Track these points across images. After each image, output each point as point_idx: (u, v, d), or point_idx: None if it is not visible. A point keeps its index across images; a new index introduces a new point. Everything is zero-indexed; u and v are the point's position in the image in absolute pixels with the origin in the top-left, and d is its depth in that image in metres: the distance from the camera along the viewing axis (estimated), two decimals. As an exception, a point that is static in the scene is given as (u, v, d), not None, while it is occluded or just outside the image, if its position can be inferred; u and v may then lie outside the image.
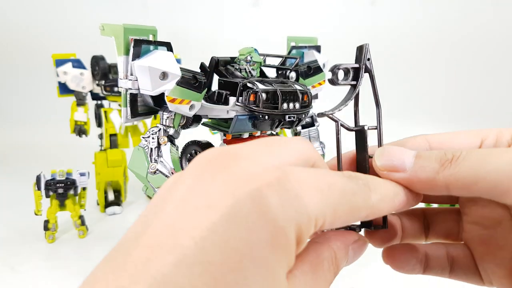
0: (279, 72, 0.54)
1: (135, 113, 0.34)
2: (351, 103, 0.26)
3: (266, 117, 0.40)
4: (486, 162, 0.20)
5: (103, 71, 0.96)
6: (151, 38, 0.33)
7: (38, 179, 0.80)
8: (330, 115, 0.25)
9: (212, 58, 0.44)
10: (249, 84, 0.40)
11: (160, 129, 0.36)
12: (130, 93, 0.33)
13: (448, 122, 1.88)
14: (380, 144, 0.25)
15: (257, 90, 0.39)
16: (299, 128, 0.60)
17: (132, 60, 0.32)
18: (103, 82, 0.96)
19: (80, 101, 0.99)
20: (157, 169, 0.36)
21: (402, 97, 1.80)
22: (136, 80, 0.32)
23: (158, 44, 0.34)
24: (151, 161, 0.37)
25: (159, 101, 0.36)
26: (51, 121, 1.57)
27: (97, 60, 0.96)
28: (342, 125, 0.26)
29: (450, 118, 1.88)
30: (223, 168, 0.18)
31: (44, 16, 1.76)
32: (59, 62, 0.95)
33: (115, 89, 0.96)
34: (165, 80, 0.33)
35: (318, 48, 0.62)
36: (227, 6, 1.87)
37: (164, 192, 0.18)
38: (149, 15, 1.81)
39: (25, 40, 1.73)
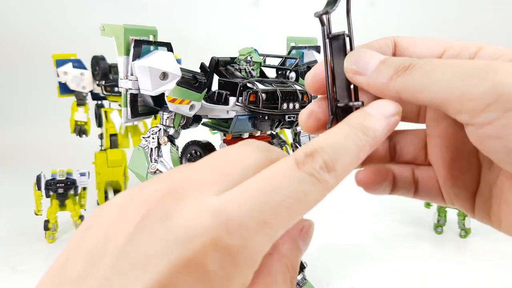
0: (279, 72, 0.54)
1: (135, 113, 0.34)
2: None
3: (266, 117, 0.40)
4: (433, 73, 0.20)
5: (104, 71, 0.96)
6: (151, 38, 0.34)
7: (38, 179, 0.80)
8: (322, 16, 0.23)
9: (212, 58, 0.44)
10: (249, 84, 0.40)
11: (160, 129, 0.36)
12: (131, 93, 0.33)
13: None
14: (351, 49, 0.25)
15: (257, 90, 0.39)
16: (299, 128, 0.60)
17: (133, 60, 0.32)
18: (103, 82, 0.96)
19: (81, 101, 0.99)
20: (157, 169, 0.36)
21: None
22: (137, 80, 0.32)
23: (158, 44, 0.34)
24: (151, 161, 0.37)
25: (159, 101, 0.36)
26: (51, 121, 1.57)
27: (97, 60, 0.96)
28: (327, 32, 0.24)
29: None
30: (164, 216, 0.16)
31: (44, 16, 1.76)
32: (60, 62, 0.95)
33: (116, 89, 0.96)
34: (165, 80, 0.33)
35: (318, 49, 0.63)
36: (227, 6, 1.88)
37: (99, 233, 0.17)
38: (149, 15, 1.81)
39: (26, 40, 1.74)
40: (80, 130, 1.01)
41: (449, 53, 0.24)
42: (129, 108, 0.34)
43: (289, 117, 0.43)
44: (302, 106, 0.44)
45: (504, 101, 0.18)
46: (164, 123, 0.36)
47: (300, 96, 0.43)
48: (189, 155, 0.50)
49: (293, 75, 0.53)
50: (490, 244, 0.83)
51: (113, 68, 0.98)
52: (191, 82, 0.35)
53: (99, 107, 1.05)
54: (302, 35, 0.62)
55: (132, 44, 0.32)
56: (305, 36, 0.63)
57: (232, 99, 0.39)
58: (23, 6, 1.76)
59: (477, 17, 1.92)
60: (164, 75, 0.33)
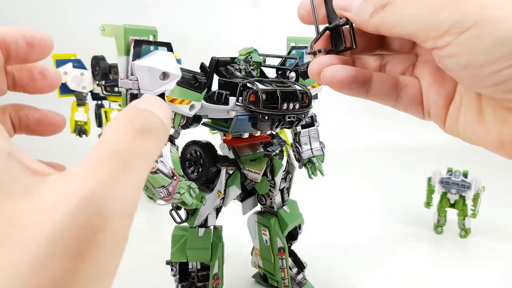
0: (279, 72, 0.54)
1: None
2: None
3: (266, 117, 0.40)
4: (404, 9, 0.24)
5: (104, 71, 0.96)
6: (151, 38, 0.34)
7: (38, 179, 0.80)
8: None
9: (212, 58, 0.44)
10: (249, 84, 0.40)
11: None
12: (131, 93, 0.33)
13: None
14: None
15: (257, 90, 0.39)
16: (299, 128, 0.60)
17: (132, 60, 0.32)
18: (103, 82, 0.96)
19: (81, 101, 0.99)
20: (158, 169, 0.36)
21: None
22: (137, 80, 0.32)
23: (158, 44, 0.34)
24: None
25: None
26: (51, 121, 1.57)
27: (97, 60, 0.96)
28: None
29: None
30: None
31: (44, 16, 1.76)
32: (60, 62, 0.95)
33: (116, 89, 0.96)
34: (165, 80, 0.33)
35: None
36: (227, 6, 1.88)
37: None
38: (149, 15, 1.81)
39: (26, 40, 1.74)
40: (80, 130, 1.01)
41: None
42: None
43: (289, 117, 0.43)
44: (302, 106, 0.44)
45: (459, 26, 0.22)
46: None
47: (300, 96, 0.43)
48: (189, 155, 0.50)
49: (293, 75, 0.53)
50: (490, 244, 0.83)
51: (113, 68, 0.98)
52: (191, 82, 0.35)
53: (99, 107, 1.05)
54: (302, 35, 0.62)
55: (132, 44, 0.32)
56: (305, 36, 0.63)
57: (232, 99, 0.39)
58: (23, 6, 1.76)
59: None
60: (164, 75, 0.33)
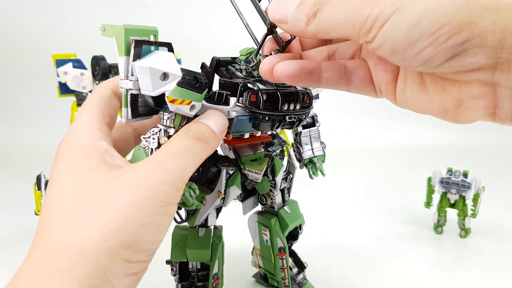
0: None
1: (136, 113, 0.34)
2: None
3: (267, 117, 0.40)
4: (333, 13, 0.26)
5: (104, 71, 0.96)
6: (152, 38, 0.33)
7: (38, 179, 0.80)
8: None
9: (213, 58, 0.44)
10: (249, 85, 0.40)
11: (161, 129, 0.36)
12: (131, 94, 0.33)
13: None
14: None
15: (257, 90, 0.39)
16: (300, 128, 0.60)
17: (133, 60, 0.32)
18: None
19: (81, 101, 0.99)
20: None
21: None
22: (137, 81, 0.32)
23: (159, 44, 0.34)
24: None
25: (159, 102, 0.36)
26: (51, 121, 1.57)
27: (97, 60, 0.96)
28: None
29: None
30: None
31: (44, 16, 1.76)
32: (60, 62, 0.95)
33: (116, 89, 0.96)
34: (165, 80, 0.32)
35: None
36: (227, 6, 1.87)
37: None
38: (149, 15, 1.81)
39: (26, 40, 1.73)
40: (80, 130, 1.01)
41: None
42: (129, 109, 0.33)
43: (289, 118, 0.42)
44: (303, 107, 0.44)
45: (380, 19, 0.24)
46: (164, 124, 0.36)
47: (301, 96, 0.43)
48: None
49: None
50: (490, 244, 0.83)
51: (113, 68, 0.98)
52: (192, 82, 0.35)
53: (99, 107, 1.05)
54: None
55: (133, 45, 0.31)
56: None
57: (232, 100, 0.39)
58: (22, 6, 1.76)
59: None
60: (165, 76, 0.32)
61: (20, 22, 1.75)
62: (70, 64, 0.95)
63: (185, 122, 0.36)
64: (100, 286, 0.24)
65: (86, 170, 0.29)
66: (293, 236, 0.63)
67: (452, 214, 0.88)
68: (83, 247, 0.25)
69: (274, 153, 0.55)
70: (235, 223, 0.66)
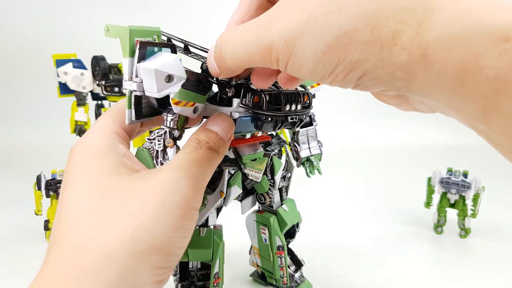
0: None
1: (139, 115, 0.34)
2: None
3: (270, 118, 0.40)
4: (230, 54, 0.28)
5: (104, 71, 0.96)
6: (155, 39, 0.33)
7: (38, 179, 0.80)
8: None
9: None
10: (252, 86, 0.40)
11: (166, 131, 0.35)
12: (135, 95, 0.33)
13: (453, 123, 1.88)
14: None
15: (261, 92, 0.39)
16: (297, 128, 0.60)
17: (138, 62, 0.31)
18: (103, 82, 0.96)
19: (81, 101, 0.99)
20: None
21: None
22: (141, 82, 0.32)
23: (162, 45, 0.33)
24: (157, 164, 0.36)
25: (163, 103, 0.36)
26: (51, 121, 1.57)
27: (97, 61, 0.96)
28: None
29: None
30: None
31: (44, 16, 1.76)
32: (60, 63, 0.95)
33: (116, 89, 0.96)
34: (170, 82, 0.32)
35: None
36: (228, 6, 1.87)
37: None
38: (149, 15, 1.81)
39: (26, 40, 1.73)
40: (80, 130, 1.01)
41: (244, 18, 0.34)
42: (133, 110, 0.33)
43: (291, 118, 0.43)
44: (303, 107, 0.44)
45: (283, 64, 0.26)
46: (168, 125, 0.35)
47: (301, 97, 0.43)
48: None
49: None
50: (490, 244, 0.83)
51: (113, 68, 0.98)
52: (195, 84, 0.35)
53: (99, 107, 1.05)
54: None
55: (138, 46, 0.31)
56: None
57: (235, 101, 0.39)
58: (22, 6, 1.76)
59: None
60: (169, 78, 0.32)
61: (20, 22, 1.75)
62: (70, 64, 0.95)
63: (187, 123, 0.36)
64: None
65: (107, 174, 0.28)
66: (290, 234, 0.64)
67: (452, 214, 0.88)
68: (112, 251, 0.24)
69: (273, 152, 0.55)
70: (233, 222, 0.66)
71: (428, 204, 0.90)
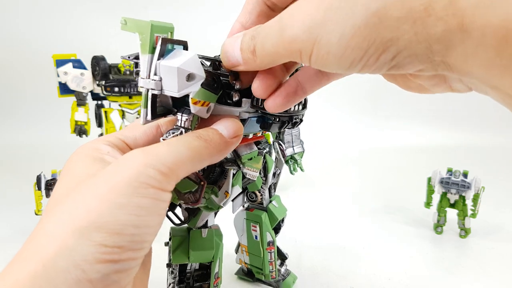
0: None
1: (154, 114, 0.33)
2: None
3: (277, 119, 0.41)
4: (264, 47, 0.27)
5: (104, 71, 0.96)
6: (169, 36, 0.32)
7: (38, 179, 0.80)
8: None
9: (212, 60, 0.44)
10: None
11: (181, 131, 0.35)
12: (152, 94, 0.32)
13: (451, 123, 1.88)
14: None
15: None
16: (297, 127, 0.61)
17: (157, 59, 0.30)
18: (103, 82, 0.96)
19: (81, 101, 0.99)
20: None
21: (403, 98, 1.80)
22: (160, 81, 0.31)
23: (175, 43, 0.32)
24: None
25: (178, 102, 0.35)
26: (51, 121, 1.57)
27: (97, 61, 0.96)
28: None
29: (454, 119, 1.88)
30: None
31: (44, 16, 1.76)
32: (60, 63, 0.95)
33: (116, 89, 0.96)
34: (190, 81, 0.31)
35: None
36: (229, 6, 1.87)
37: None
38: (149, 15, 1.81)
39: (26, 40, 1.73)
40: (80, 130, 1.01)
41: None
42: (149, 109, 0.32)
43: (294, 119, 0.43)
44: (303, 107, 0.44)
45: (306, 56, 0.25)
46: (182, 125, 0.35)
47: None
48: None
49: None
50: (490, 244, 0.83)
51: (113, 68, 0.98)
52: (211, 83, 0.34)
53: (99, 107, 1.05)
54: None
55: (159, 43, 0.30)
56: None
57: (245, 101, 0.39)
58: (23, 6, 1.76)
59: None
60: (190, 76, 0.31)
61: (20, 22, 1.75)
62: (70, 64, 0.95)
63: (199, 123, 0.36)
64: (66, 268, 0.23)
65: (81, 169, 0.29)
66: (275, 229, 0.65)
67: (452, 214, 0.88)
68: (52, 230, 0.25)
69: (265, 150, 0.55)
70: (223, 222, 0.66)
71: (428, 204, 0.90)
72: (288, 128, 0.46)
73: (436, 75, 0.26)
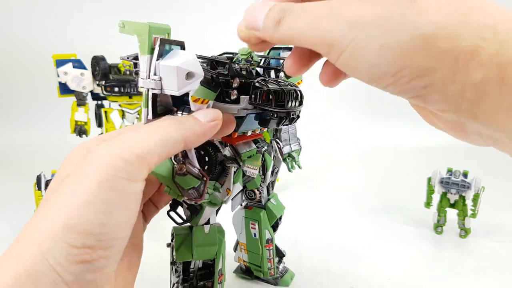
0: (265, 71, 0.55)
1: (155, 114, 0.34)
2: None
3: (276, 115, 0.41)
4: (292, 24, 0.26)
5: (104, 71, 0.96)
6: (166, 37, 0.33)
7: (38, 179, 0.80)
8: None
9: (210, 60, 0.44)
10: (257, 84, 0.40)
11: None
12: (152, 93, 0.32)
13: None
14: None
15: (268, 89, 0.40)
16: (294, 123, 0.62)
17: (156, 60, 0.31)
18: (103, 82, 0.96)
19: (81, 101, 0.99)
20: (186, 170, 0.36)
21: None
22: (160, 80, 0.32)
23: (173, 43, 0.33)
24: (176, 162, 0.36)
25: (177, 101, 0.36)
26: (51, 121, 1.57)
27: (97, 61, 0.96)
28: None
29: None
30: None
31: (44, 16, 1.76)
32: (60, 63, 0.95)
33: (116, 89, 0.96)
34: (189, 80, 0.32)
35: (291, 49, 0.62)
36: (228, 6, 1.87)
37: None
38: (149, 15, 1.81)
39: (26, 40, 1.74)
40: (80, 130, 1.01)
41: None
42: (150, 109, 0.33)
43: (292, 115, 0.43)
44: (300, 104, 0.44)
45: (338, 44, 0.23)
46: None
47: (299, 94, 0.44)
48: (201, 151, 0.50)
49: (282, 74, 0.53)
50: (490, 244, 0.83)
51: (113, 68, 0.98)
52: (210, 81, 0.35)
53: (99, 107, 1.05)
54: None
55: (158, 43, 0.31)
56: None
57: (244, 98, 0.39)
58: (23, 6, 1.76)
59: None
60: (189, 75, 0.32)
61: (20, 22, 1.75)
62: (70, 64, 0.95)
63: None
64: (43, 271, 0.23)
65: (70, 169, 0.29)
66: (273, 227, 0.65)
67: (452, 214, 0.88)
68: (31, 234, 0.25)
69: (263, 148, 0.56)
70: (218, 220, 0.67)
71: (428, 204, 0.90)
72: (286, 125, 0.46)
73: (453, 122, 0.25)
